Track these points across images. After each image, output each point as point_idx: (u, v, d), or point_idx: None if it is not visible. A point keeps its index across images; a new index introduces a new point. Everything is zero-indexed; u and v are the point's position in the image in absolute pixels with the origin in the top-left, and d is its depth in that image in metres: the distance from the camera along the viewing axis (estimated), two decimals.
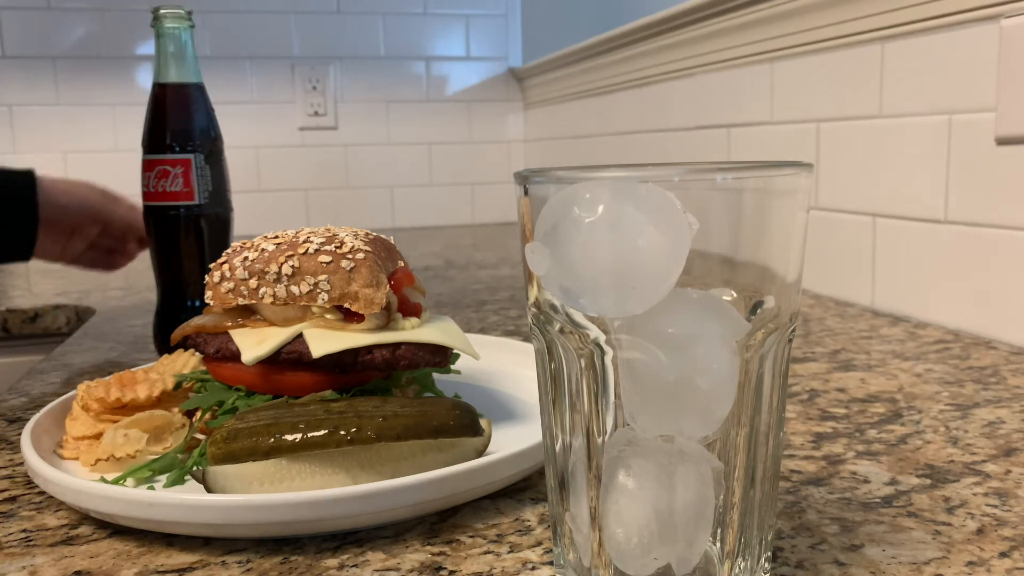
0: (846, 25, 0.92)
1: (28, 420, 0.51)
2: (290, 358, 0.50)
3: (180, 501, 0.39)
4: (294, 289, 0.50)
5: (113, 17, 1.84)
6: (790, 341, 0.33)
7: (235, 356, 0.50)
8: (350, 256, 0.51)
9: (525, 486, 0.46)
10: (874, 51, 0.89)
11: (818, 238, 1.00)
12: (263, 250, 0.52)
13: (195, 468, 0.44)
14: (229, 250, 0.54)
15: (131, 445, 0.48)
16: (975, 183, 0.78)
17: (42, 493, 0.47)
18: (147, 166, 0.76)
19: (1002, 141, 0.75)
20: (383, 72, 2.02)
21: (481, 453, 0.46)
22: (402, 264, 0.56)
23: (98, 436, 0.50)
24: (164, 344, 0.79)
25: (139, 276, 1.38)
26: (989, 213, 0.77)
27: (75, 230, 0.92)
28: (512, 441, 0.45)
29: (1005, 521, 0.41)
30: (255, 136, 1.93)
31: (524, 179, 0.31)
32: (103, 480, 0.43)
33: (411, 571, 0.38)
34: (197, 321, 0.54)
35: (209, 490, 0.42)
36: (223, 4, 1.89)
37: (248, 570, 0.38)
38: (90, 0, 1.82)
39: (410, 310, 0.54)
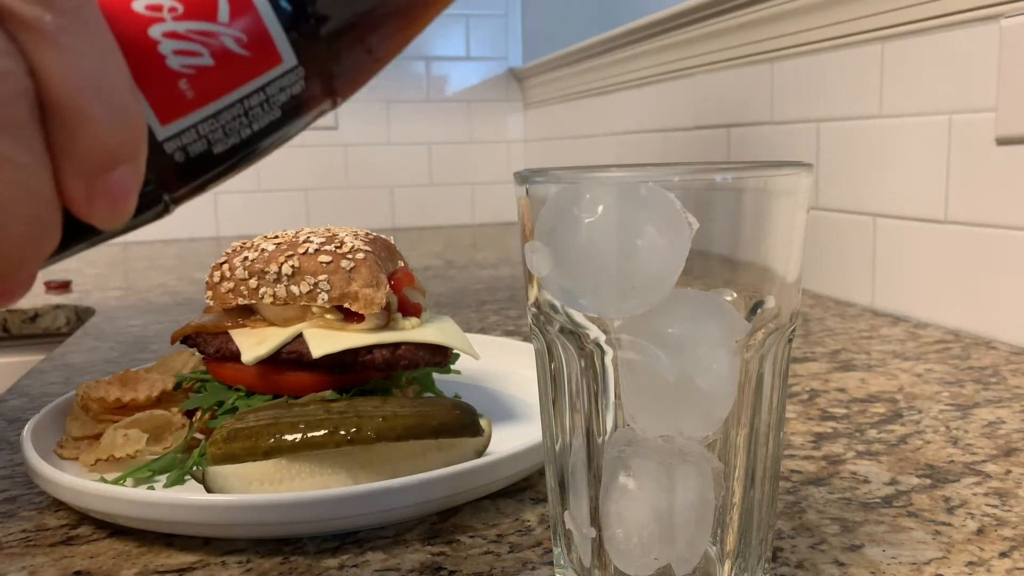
0: (846, 25, 0.92)
1: (28, 420, 0.51)
2: (290, 358, 0.50)
3: (180, 501, 0.39)
4: (294, 289, 0.50)
5: None
6: (790, 341, 0.33)
7: (235, 356, 0.50)
8: (350, 256, 0.51)
9: (525, 486, 0.46)
10: (874, 51, 0.89)
11: (818, 238, 1.00)
12: (263, 250, 0.52)
13: (195, 468, 0.44)
14: (229, 250, 0.54)
15: (131, 445, 0.48)
16: (975, 183, 0.78)
17: (42, 493, 0.47)
18: None
19: (1002, 141, 0.75)
20: (383, 72, 2.01)
21: (481, 453, 0.46)
22: (402, 264, 0.56)
23: (98, 436, 0.50)
24: None
25: (139, 276, 1.38)
26: (989, 213, 0.77)
27: None
28: (512, 441, 0.45)
29: (1005, 521, 0.41)
30: None
31: (524, 179, 0.31)
32: (103, 480, 0.43)
33: (411, 571, 0.37)
34: (197, 321, 0.54)
35: (209, 490, 0.42)
36: None
37: (248, 570, 0.38)
38: None
39: (410, 310, 0.54)
